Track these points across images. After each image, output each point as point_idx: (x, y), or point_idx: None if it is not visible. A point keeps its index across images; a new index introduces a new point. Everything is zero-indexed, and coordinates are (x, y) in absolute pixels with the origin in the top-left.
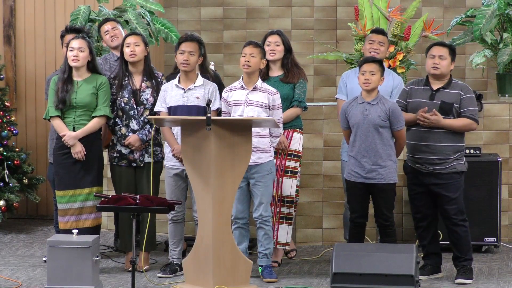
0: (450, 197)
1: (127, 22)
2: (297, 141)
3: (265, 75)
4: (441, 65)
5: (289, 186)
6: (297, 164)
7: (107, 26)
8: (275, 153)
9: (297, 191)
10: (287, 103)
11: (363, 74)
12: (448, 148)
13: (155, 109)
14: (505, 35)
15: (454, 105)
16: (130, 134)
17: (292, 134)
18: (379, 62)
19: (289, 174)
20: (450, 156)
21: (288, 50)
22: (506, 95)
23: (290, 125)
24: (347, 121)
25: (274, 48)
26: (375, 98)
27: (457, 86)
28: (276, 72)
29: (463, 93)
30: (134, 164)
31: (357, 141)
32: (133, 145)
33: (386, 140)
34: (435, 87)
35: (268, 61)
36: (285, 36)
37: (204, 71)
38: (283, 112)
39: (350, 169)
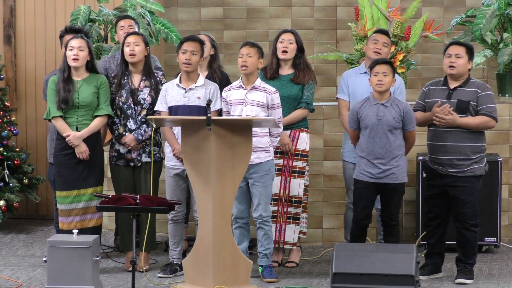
0: (465, 201)
1: None
2: (304, 141)
3: (275, 73)
4: (458, 64)
5: (297, 186)
6: (305, 164)
7: (124, 22)
8: (282, 153)
9: (305, 190)
10: (295, 103)
11: (375, 75)
12: (466, 148)
13: (156, 108)
14: (505, 35)
15: (471, 103)
16: (127, 133)
17: (299, 134)
18: (390, 63)
19: (296, 174)
20: (469, 156)
21: (300, 49)
22: (506, 95)
23: (297, 125)
24: (358, 122)
25: (287, 45)
26: (388, 99)
27: (474, 84)
28: (286, 71)
29: (480, 91)
30: (132, 164)
31: (371, 142)
32: (128, 145)
33: (399, 141)
34: (452, 86)
35: (278, 59)
36: (298, 35)
37: (213, 71)
38: (290, 112)
39: (363, 169)
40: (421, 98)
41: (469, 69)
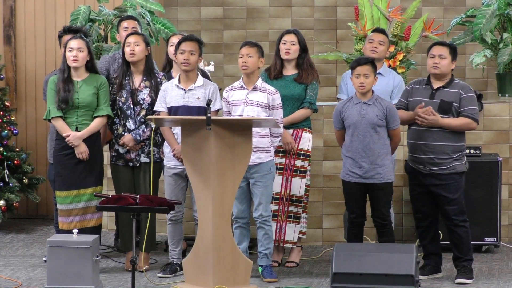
0: (450, 198)
1: None
2: (306, 141)
3: (278, 74)
4: (441, 64)
5: (298, 185)
6: (306, 164)
7: (127, 23)
8: (284, 152)
9: (306, 190)
10: (298, 103)
11: (357, 77)
12: (447, 148)
13: (155, 108)
14: (505, 35)
15: (454, 104)
16: (125, 133)
17: (301, 134)
18: (371, 62)
19: (298, 174)
20: (450, 155)
21: (303, 50)
22: (506, 95)
23: (300, 124)
24: (342, 121)
25: (290, 47)
26: (371, 98)
27: (458, 86)
28: (290, 71)
29: (463, 92)
30: (131, 164)
31: (355, 141)
32: (127, 145)
33: (383, 139)
34: (435, 86)
35: (282, 59)
36: (301, 35)
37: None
38: (293, 112)
39: (348, 169)
40: (404, 97)
41: (453, 69)
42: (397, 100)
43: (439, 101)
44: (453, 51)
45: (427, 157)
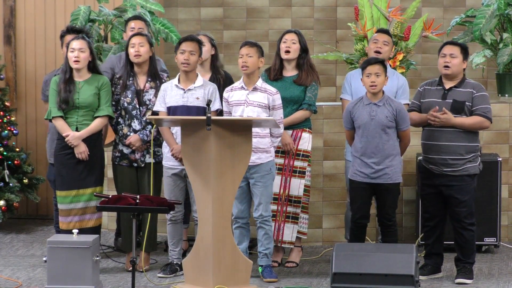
0: (460, 200)
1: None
2: (306, 141)
3: (278, 74)
4: (452, 64)
5: (297, 186)
6: (306, 164)
7: (134, 24)
8: (283, 152)
9: (306, 191)
10: (297, 105)
11: (368, 76)
12: (460, 148)
13: (155, 108)
14: (505, 35)
15: (466, 103)
16: (131, 133)
17: (301, 134)
18: (382, 62)
19: (297, 174)
20: (463, 156)
21: (304, 50)
22: (506, 95)
23: (299, 125)
24: (352, 122)
25: (290, 45)
26: (381, 99)
27: (469, 85)
28: (290, 72)
29: (475, 91)
30: (135, 164)
31: (364, 142)
32: (133, 145)
33: (392, 140)
34: (447, 86)
35: (282, 59)
36: (302, 35)
37: (216, 72)
38: (292, 113)
39: (356, 169)
40: (417, 98)
41: (464, 69)
42: (403, 101)
43: (451, 101)
44: (464, 51)
45: (440, 157)
